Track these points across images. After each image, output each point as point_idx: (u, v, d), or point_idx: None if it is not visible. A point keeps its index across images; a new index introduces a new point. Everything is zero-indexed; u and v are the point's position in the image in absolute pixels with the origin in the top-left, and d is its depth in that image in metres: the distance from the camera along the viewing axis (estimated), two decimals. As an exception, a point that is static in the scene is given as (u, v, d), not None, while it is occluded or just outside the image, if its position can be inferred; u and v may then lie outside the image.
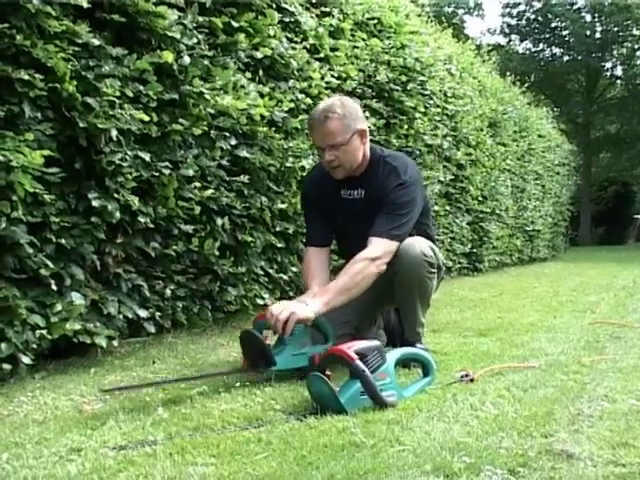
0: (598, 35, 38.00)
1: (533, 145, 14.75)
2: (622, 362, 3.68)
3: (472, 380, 3.20)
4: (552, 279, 10.15)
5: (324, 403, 2.70)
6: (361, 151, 3.70)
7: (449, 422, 2.56)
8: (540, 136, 15.67)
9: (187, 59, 4.16)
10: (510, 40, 41.12)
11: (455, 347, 4.15)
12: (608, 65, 40.04)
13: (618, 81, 41.19)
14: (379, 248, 3.52)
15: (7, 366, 3.17)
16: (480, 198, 10.75)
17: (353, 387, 2.75)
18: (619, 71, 40.84)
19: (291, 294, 5.59)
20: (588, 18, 38.19)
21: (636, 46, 37.97)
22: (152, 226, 4.02)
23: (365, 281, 3.47)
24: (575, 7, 38.19)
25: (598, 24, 38.12)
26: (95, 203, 3.61)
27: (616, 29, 37.05)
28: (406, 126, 7.55)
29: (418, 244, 3.66)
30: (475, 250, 10.56)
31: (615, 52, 38.92)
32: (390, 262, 3.55)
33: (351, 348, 2.80)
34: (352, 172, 3.73)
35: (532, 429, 2.45)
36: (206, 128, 4.33)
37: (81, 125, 3.51)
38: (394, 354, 2.99)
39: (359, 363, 2.74)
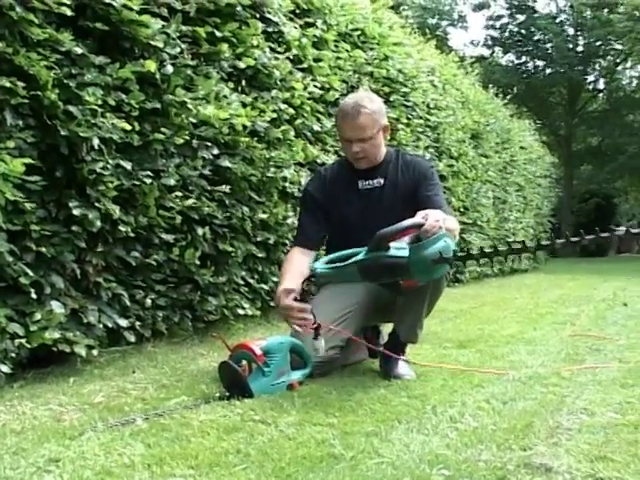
0: (580, 48, 38.36)
1: (515, 157, 14.81)
2: (601, 375, 3.70)
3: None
4: (533, 290, 10.18)
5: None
6: (383, 144, 3.95)
7: (428, 434, 2.56)
8: (522, 148, 15.74)
9: (170, 68, 4.16)
10: (493, 52, 41.39)
11: (435, 358, 4.15)
12: (590, 78, 40.40)
13: (600, 94, 41.51)
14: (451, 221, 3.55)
15: (-15, 375, 3.15)
16: (462, 209, 10.76)
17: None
18: (601, 84, 41.26)
19: (272, 304, 5.59)
20: (571, 31, 38.57)
21: (618, 60, 38.35)
22: (133, 235, 4.00)
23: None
24: (558, 20, 38.56)
25: (580, 38, 38.48)
26: (76, 212, 3.59)
27: (598, 43, 37.40)
28: (389, 137, 7.54)
29: None
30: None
31: (597, 66, 39.29)
32: None
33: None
34: (370, 165, 3.89)
35: (511, 442, 2.45)
36: (188, 137, 4.32)
37: (62, 133, 3.49)
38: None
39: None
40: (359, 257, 3.26)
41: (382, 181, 3.88)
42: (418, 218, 3.17)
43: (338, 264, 3.39)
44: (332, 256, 3.53)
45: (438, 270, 3.23)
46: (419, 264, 3.12)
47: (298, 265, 3.72)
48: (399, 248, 3.16)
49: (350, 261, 3.30)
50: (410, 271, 3.16)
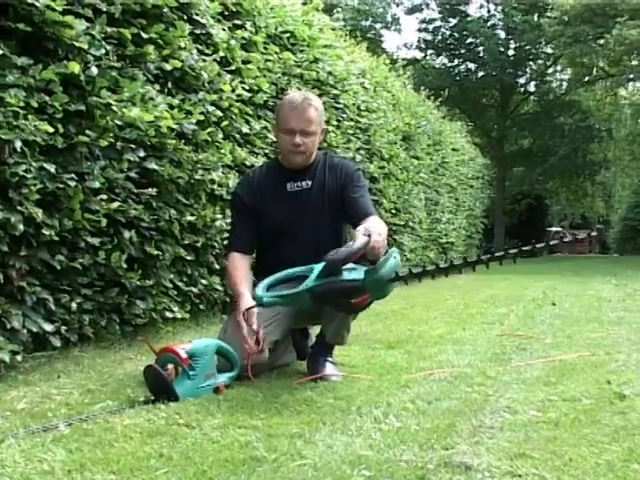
0: (512, 52, 38.97)
1: (447, 158, 14.97)
2: (526, 373, 3.76)
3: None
4: (464, 291, 10.26)
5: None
6: (317, 146, 3.98)
7: (352, 435, 2.57)
8: (454, 150, 15.92)
9: (94, 70, 4.11)
10: (426, 55, 41.71)
11: (363, 360, 4.17)
12: (521, 81, 41.00)
13: (531, 97, 42.13)
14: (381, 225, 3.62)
15: None
16: (393, 211, 10.82)
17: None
18: (532, 87, 41.86)
19: (201, 307, 5.57)
20: (502, 35, 39.12)
21: (548, 63, 38.98)
22: (57, 239, 3.95)
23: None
24: (489, 24, 39.05)
25: (512, 41, 39.07)
26: (-3, 215, 3.54)
27: (528, 46, 38.05)
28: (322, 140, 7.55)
29: None
30: (388, 262, 10.57)
31: (528, 69, 39.88)
32: None
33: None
34: (304, 162, 3.92)
35: (433, 441, 2.47)
36: (113, 140, 4.26)
37: (-17, 136, 3.44)
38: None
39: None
40: (309, 284, 3.27)
41: (310, 183, 3.91)
42: (362, 237, 3.22)
43: (286, 292, 3.38)
44: (271, 279, 3.52)
45: (391, 286, 3.30)
46: (375, 284, 3.20)
47: (246, 272, 3.82)
48: (351, 270, 3.23)
49: (300, 289, 3.29)
50: (365, 291, 3.24)
